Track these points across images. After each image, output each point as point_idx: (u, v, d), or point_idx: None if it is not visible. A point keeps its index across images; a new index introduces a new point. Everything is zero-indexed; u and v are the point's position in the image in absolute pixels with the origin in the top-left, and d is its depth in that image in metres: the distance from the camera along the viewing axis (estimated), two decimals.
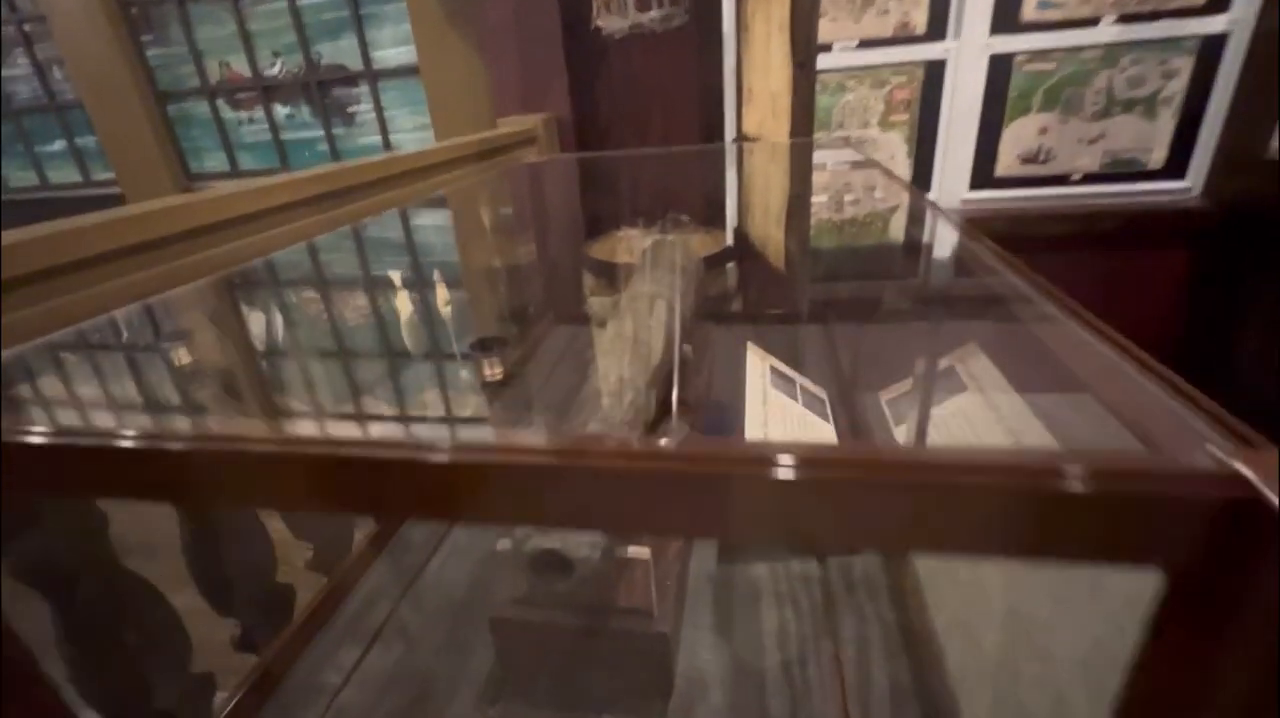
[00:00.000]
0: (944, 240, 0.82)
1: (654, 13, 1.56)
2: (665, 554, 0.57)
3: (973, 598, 0.62)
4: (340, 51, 2.08)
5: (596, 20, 1.61)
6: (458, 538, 0.77)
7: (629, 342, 0.74)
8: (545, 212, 1.73)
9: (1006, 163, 1.74)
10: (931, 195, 1.82)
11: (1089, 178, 1.73)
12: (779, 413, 0.84)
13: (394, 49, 2.02)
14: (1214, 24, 1.53)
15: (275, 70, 2.11)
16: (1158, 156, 1.68)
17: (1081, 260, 1.69)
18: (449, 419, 1.08)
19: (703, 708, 0.54)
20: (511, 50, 1.76)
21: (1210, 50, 1.55)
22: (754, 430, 0.76)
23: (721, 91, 1.74)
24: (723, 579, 0.66)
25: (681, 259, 1.05)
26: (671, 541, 0.58)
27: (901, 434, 0.90)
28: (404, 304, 1.36)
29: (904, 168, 1.80)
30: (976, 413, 0.70)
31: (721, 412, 0.85)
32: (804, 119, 1.17)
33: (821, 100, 1.74)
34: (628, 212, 1.64)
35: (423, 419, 1.09)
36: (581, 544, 0.46)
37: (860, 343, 1.13)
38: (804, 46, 1.10)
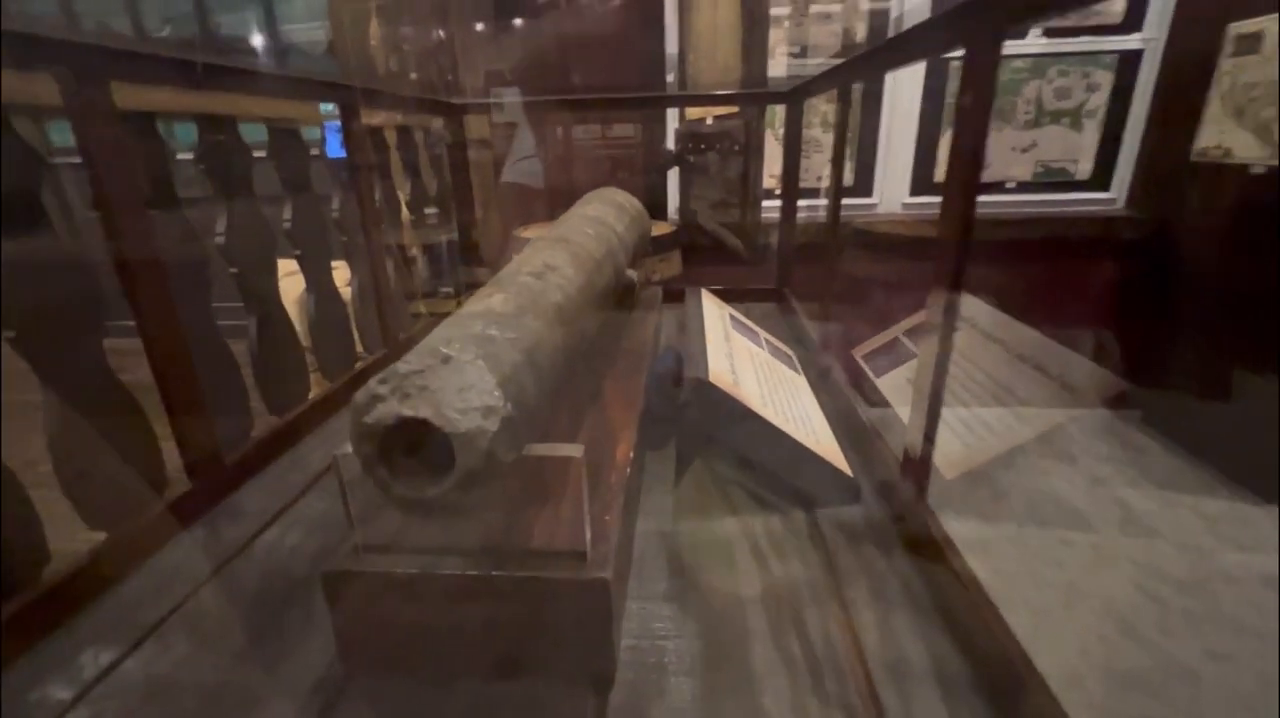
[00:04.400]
0: None
1: None
2: (609, 459, 0.38)
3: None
4: (244, 24, 1.87)
5: None
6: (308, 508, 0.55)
7: (561, 242, 0.57)
8: None
9: (945, 169, 1.73)
10: (874, 199, 1.79)
11: (1023, 186, 1.74)
12: (745, 354, 0.68)
13: (305, 24, 1.84)
14: (1129, 41, 1.60)
15: (164, 36, 1.87)
16: (1084, 168, 1.71)
17: (1017, 265, 1.68)
18: None
19: (660, 707, 0.35)
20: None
21: (1128, 66, 1.61)
22: (719, 362, 0.60)
23: (664, 66, 1.65)
24: (683, 536, 0.48)
25: (625, 201, 0.91)
26: (617, 440, 0.40)
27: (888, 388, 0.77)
28: None
29: (847, 172, 1.76)
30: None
31: (670, 352, 0.69)
32: (757, 62, 1.07)
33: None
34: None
35: None
36: (470, 410, 0.24)
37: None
38: None
